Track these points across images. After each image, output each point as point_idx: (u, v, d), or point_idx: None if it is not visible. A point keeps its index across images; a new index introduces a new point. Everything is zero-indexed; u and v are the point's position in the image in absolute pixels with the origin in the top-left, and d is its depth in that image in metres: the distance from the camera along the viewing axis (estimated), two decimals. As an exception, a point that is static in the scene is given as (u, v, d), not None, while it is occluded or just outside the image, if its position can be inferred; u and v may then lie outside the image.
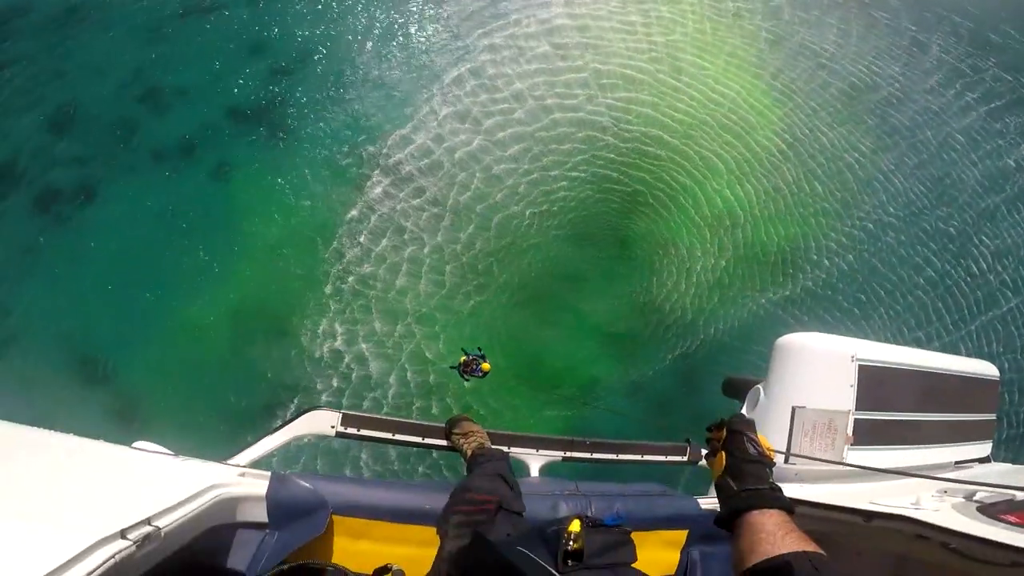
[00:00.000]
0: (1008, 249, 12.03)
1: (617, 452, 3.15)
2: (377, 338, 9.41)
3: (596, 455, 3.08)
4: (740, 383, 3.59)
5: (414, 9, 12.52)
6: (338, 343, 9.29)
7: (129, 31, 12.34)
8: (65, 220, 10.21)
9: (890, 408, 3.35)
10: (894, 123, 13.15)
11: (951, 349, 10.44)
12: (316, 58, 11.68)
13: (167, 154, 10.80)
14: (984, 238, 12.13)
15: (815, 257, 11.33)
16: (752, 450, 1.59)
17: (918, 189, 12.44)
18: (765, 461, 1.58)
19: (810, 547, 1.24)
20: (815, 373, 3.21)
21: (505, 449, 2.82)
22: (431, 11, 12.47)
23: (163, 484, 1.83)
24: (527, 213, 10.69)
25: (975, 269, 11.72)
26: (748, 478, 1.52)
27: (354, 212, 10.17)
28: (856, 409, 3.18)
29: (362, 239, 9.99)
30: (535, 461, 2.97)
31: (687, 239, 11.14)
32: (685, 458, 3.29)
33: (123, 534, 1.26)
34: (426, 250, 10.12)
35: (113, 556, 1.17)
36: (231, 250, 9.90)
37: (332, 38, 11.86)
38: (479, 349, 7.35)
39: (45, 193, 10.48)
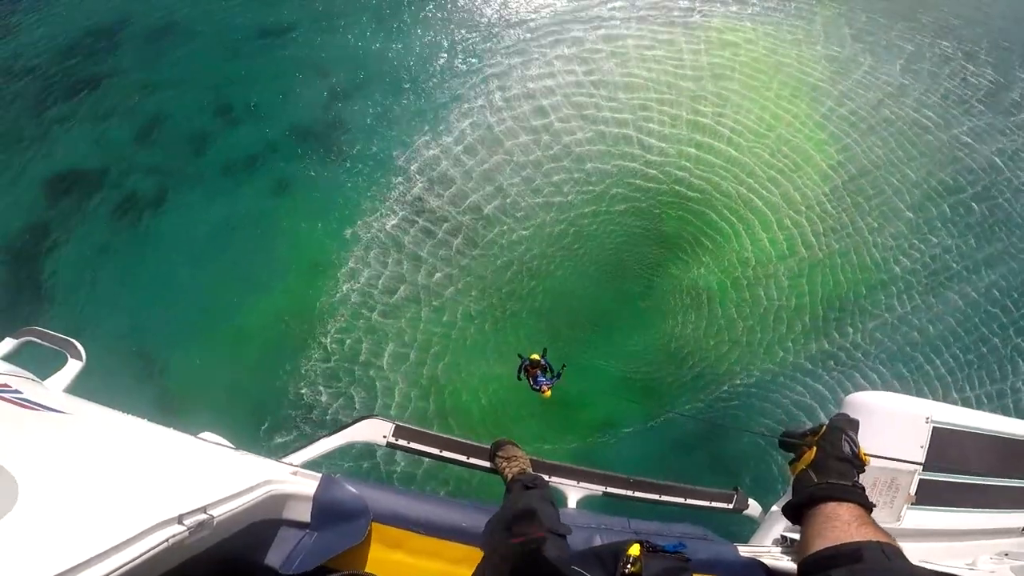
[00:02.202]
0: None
1: (659, 492, 3.09)
2: (399, 353, 9.77)
3: (637, 493, 3.04)
4: (800, 437, 3.52)
5: (465, 44, 12.92)
6: (363, 356, 9.69)
7: (212, 49, 13.34)
8: (137, 224, 11.13)
9: (960, 471, 3.23)
10: (966, 165, 12.27)
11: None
12: (373, 84, 12.25)
13: (233, 167, 11.61)
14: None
15: (861, 310, 10.62)
16: (847, 448, 1.54)
17: (985, 246, 11.44)
18: (856, 463, 1.53)
19: (884, 538, 1.20)
20: (885, 431, 3.11)
21: (545, 477, 2.78)
22: (480, 46, 12.87)
23: (221, 474, 1.91)
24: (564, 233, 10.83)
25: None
26: (832, 473, 1.47)
27: (391, 233, 10.54)
28: (924, 470, 3.09)
29: (386, 263, 10.32)
30: (574, 493, 2.94)
31: (716, 281, 10.83)
32: (730, 506, 3.21)
33: (180, 519, 1.31)
34: (456, 272, 10.38)
35: (167, 539, 1.23)
36: (281, 261, 10.48)
37: (390, 66, 12.43)
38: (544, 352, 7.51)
39: (124, 198, 11.48)
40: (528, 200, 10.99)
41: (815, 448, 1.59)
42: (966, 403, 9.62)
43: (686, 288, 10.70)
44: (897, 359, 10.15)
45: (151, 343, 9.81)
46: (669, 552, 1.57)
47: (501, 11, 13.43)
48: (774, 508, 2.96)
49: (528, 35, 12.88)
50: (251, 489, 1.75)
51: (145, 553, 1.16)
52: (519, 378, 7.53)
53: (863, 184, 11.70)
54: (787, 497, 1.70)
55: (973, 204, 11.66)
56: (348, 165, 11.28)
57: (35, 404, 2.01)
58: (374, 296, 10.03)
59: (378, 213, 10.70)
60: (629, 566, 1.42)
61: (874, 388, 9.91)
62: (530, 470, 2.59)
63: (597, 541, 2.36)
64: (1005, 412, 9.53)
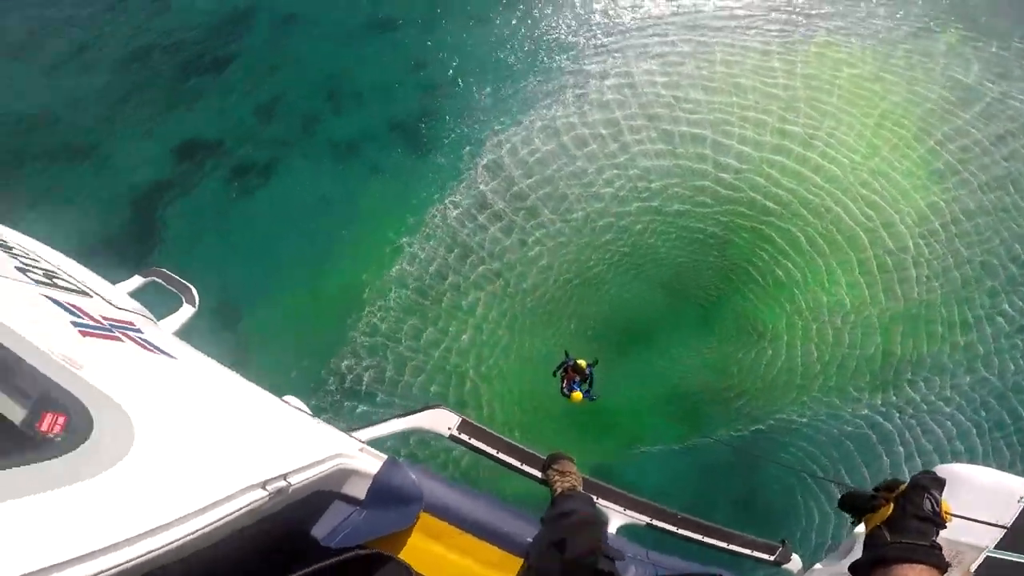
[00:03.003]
0: None
1: (703, 533, 3.04)
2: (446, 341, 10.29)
3: (681, 530, 3.01)
4: (864, 498, 3.40)
5: (554, 47, 13.19)
6: (402, 334, 10.29)
7: (328, 37, 14.50)
8: (246, 190, 12.45)
9: None
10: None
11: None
12: (462, 80, 12.86)
13: (335, 149, 12.68)
14: None
15: (940, 368, 9.69)
16: (928, 507, 1.45)
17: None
18: (937, 522, 1.44)
19: None
20: (968, 506, 2.81)
21: (593, 498, 2.74)
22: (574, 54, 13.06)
23: (300, 442, 1.99)
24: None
25: None
26: (910, 532, 1.41)
27: (451, 225, 11.05)
28: (995, 548, 2.96)
29: (438, 251, 10.83)
30: (617, 519, 2.92)
31: (786, 320, 10.34)
32: (772, 558, 3.12)
33: (264, 485, 1.35)
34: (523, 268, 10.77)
35: (251, 503, 1.28)
36: (358, 238, 11.35)
37: (483, 64, 12.96)
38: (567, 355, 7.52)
39: (239, 167, 12.88)
40: (586, 206, 11.10)
41: (891, 504, 1.50)
42: None
43: (746, 317, 10.36)
44: (969, 425, 9.34)
45: (239, 295, 10.94)
46: None
47: (596, 15, 13.60)
48: (817, 566, 2.86)
49: (618, 38, 12.96)
50: (324, 460, 1.79)
51: (229, 515, 1.21)
52: (554, 374, 7.59)
53: (967, 229, 10.64)
54: (846, 556, 1.79)
55: None
56: (428, 156, 12.00)
57: (152, 346, 2.13)
58: (424, 280, 10.60)
59: (444, 203, 11.28)
60: None
61: (939, 451, 9.14)
62: (581, 489, 2.53)
63: (631, 572, 2.40)
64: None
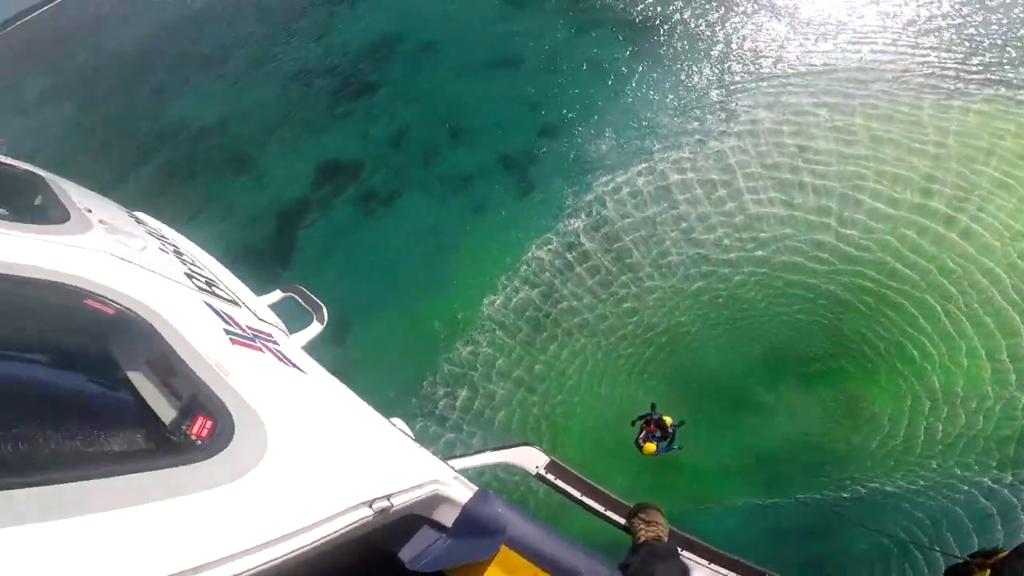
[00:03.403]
0: None
1: None
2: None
3: None
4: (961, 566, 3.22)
5: (666, 101, 12.95)
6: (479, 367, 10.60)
7: (458, 71, 15.43)
8: (372, 214, 13.65)
9: None
10: None
11: None
12: (574, 125, 13.08)
13: (450, 181, 13.52)
14: None
15: None
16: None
17: None
18: None
19: None
20: None
21: (679, 550, 2.70)
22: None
23: (403, 465, 2.04)
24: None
25: None
26: None
27: (540, 264, 11.25)
28: None
29: (522, 289, 11.02)
30: (700, 573, 2.84)
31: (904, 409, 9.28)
32: None
33: (370, 504, 1.38)
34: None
35: (357, 521, 1.31)
36: (466, 271, 11.92)
37: (593, 110, 13.10)
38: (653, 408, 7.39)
39: (368, 191, 14.14)
40: (685, 251, 10.74)
41: (989, 571, 1.54)
42: None
43: (856, 392, 9.51)
44: None
45: (350, 311, 11.79)
46: None
47: (713, 70, 13.21)
48: None
49: (743, 94, 12.43)
50: (423, 485, 1.84)
51: (337, 532, 1.24)
52: (633, 424, 7.44)
53: None
54: None
55: None
56: (532, 196, 12.37)
57: (286, 359, 2.21)
58: (509, 317, 10.87)
59: (541, 244, 11.51)
60: None
61: None
62: (666, 539, 2.50)
63: None
64: None
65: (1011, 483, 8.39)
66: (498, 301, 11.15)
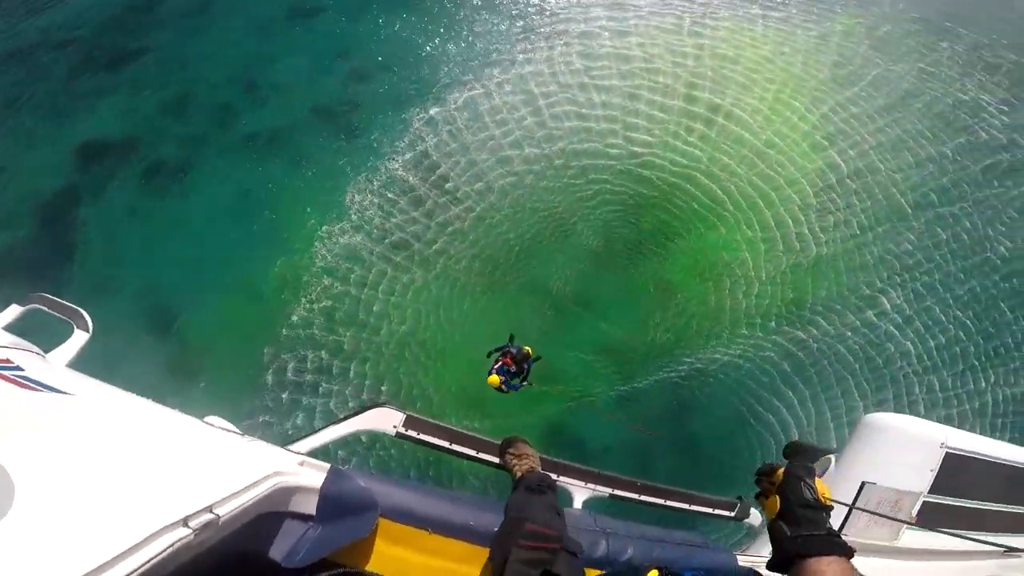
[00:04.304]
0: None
1: (665, 498, 3.12)
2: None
3: (644, 497, 3.07)
4: (808, 449, 3.56)
5: (475, 30, 13.50)
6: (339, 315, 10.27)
7: (243, 29, 13.90)
8: (166, 190, 11.76)
9: (965, 495, 3.29)
10: (953, 179, 12.00)
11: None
12: (394, 68, 12.80)
13: (258, 141, 12.20)
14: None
15: (829, 309, 10.62)
16: (808, 495, 1.52)
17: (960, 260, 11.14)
18: (821, 506, 1.51)
19: None
20: (897, 453, 3.17)
21: (554, 476, 2.72)
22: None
23: (228, 465, 1.85)
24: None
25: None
26: (804, 523, 1.47)
27: (372, 213, 11.05)
28: (928, 492, 3.15)
29: (369, 232, 10.84)
30: (580, 493, 2.94)
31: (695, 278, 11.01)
32: (732, 514, 3.26)
33: (185, 522, 1.25)
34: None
35: (173, 544, 1.17)
36: (295, 230, 11.00)
37: (405, 50, 12.99)
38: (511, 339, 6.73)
39: (153, 165, 12.10)
40: (497, 169, 11.48)
41: (778, 498, 1.58)
42: (919, 403, 9.84)
43: (654, 280, 11.03)
44: (864, 357, 10.25)
45: (171, 299, 10.48)
46: None
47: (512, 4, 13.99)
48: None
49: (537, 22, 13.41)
50: (258, 483, 1.68)
51: (148, 561, 1.11)
52: (489, 355, 6.82)
53: (853, 187, 11.73)
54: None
55: (953, 218, 11.62)
56: (351, 141, 11.96)
57: (37, 384, 1.92)
58: (340, 264, 10.65)
59: (369, 186, 11.30)
60: None
61: (839, 378, 10.00)
62: (539, 469, 2.48)
63: (603, 545, 2.39)
64: (961, 416, 9.72)
65: (800, 333, 10.41)
66: (326, 251, 10.70)
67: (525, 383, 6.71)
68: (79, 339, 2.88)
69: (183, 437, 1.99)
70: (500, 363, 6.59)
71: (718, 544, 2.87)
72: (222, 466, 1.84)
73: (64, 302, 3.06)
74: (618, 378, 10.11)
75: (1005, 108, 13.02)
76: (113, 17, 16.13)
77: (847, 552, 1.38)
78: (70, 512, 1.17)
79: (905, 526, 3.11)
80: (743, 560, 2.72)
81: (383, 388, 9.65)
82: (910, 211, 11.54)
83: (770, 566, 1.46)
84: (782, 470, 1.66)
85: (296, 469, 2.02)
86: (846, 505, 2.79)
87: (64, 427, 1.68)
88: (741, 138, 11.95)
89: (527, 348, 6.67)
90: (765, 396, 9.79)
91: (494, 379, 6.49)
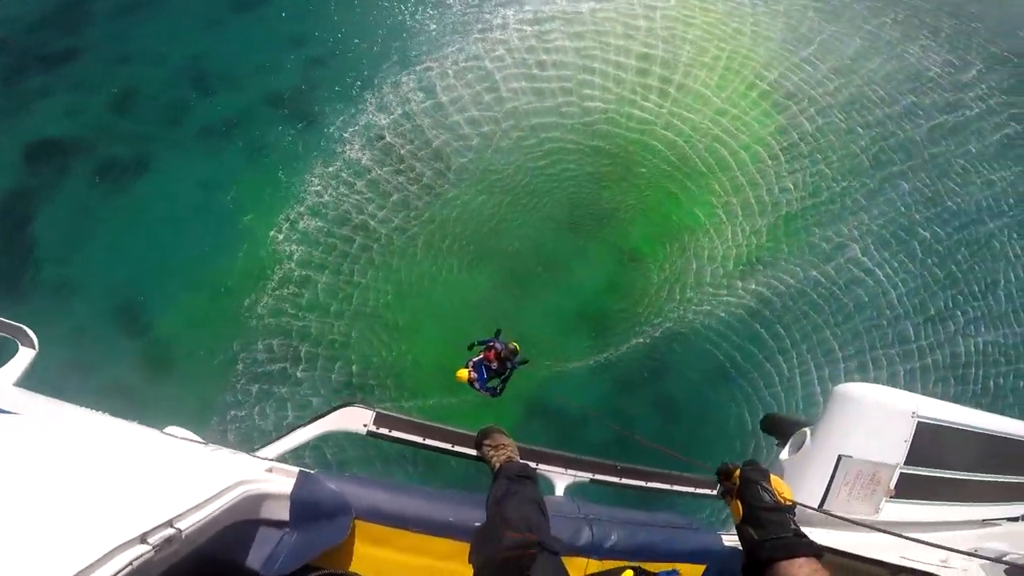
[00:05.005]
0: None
1: (646, 480, 3.11)
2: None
3: (625, 480, 3.05)
4: (785, 423, 3.59)
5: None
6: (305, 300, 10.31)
7: (186, 21, 13.54)
8: (121, 187, 11.45)
9: (941, 465, 3.30)
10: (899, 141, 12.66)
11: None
12: (348, 52, 12.71)
13: (212, 133, 12.01)
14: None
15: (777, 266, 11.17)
16: (767, 498, 1.55)
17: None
18: (782, 507, 1.54)
19: None
20: (870, 425, 3.17)
21: (533, 465, 2.72)
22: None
23: (190, 477, 1.80)
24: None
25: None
26: (769, 526, 1.49)
27: (360, 190, 11.13)
28: (904, 464, 3.16)
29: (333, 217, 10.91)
30: (561, 480, 2.92)
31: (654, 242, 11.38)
32: (715, 492, 3.20)
33: (143, 538, 1.20)
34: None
35: (131, 563, 1.12)
36: (256, 219, 10.93)
37: (366, 33, 12.88)
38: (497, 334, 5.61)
39: (105, 164, 11.74)
40: (459, 154, 11.66)
41: (739, 503, 1.61)
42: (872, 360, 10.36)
43: (620, 246, 11.38)
44: (834, 307, 10.79)
45: (135, 300, 10.27)
46: None
47: None
48: None
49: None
50: (223, 493, 1.64)
51: None
52: (471, 348, 5.70)
53: (804, 151, 12.23)
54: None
55: (912, 172, 12.31)
56: (309, 128, 11.91)
57: None
58: (304, 250, 10.68)
59: (319, 171, 11.32)
60: None
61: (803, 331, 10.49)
62: (518, 458, 2.49)
63: (587, 533, 2.38)
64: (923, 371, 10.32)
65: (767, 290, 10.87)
66: (287, 238, 10.70)
67: (501, 390, 5.62)
68: (25, 356, 2.78)
69: (140, 450, 1.93)
70: (481, 357, 5.55)
71: (702, 525, 2.90)
72: (183, 478, 1.78)
73: (4, 320, 2.95)
74: (591, 345, 10.41)
75: (951, 70, 13.77)
76: (43, 17, 15.47)
77: (815, 551, 1.42)
78: (15, 537, 1.10)
79: (886, 499, 3.13)
80: (728, 540, 2.73)
81: (353, 369, 9.73)
82: (869, 167, 12.21)
83: (744, 570, 1.50)
84: (738, 472, 1.69)
85: (264, 476, 1.97)
86: (805, 506, 2.60)
87: (11, 446, 1.62)
88: (695, 106, 12.33)
89: (514, 344, 5.58)
90: (745, 348, 10.28)
91: (462, 373, 5.50)
